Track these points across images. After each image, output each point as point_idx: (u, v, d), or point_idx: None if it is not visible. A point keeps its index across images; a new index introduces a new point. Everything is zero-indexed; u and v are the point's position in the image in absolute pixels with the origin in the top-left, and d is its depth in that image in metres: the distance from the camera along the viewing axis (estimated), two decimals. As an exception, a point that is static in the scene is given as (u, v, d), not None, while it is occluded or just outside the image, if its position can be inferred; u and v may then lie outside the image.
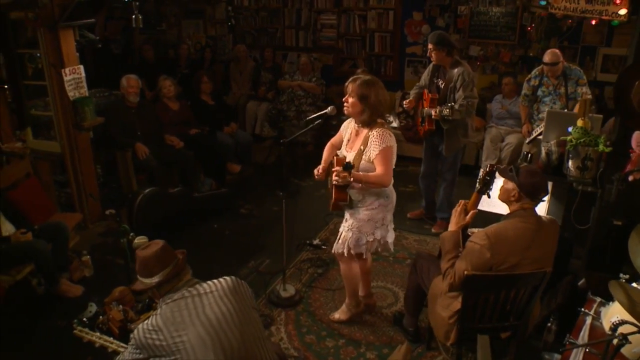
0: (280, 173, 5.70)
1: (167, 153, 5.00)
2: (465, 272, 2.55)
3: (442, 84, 4.44)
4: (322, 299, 3.79)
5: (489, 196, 2.78)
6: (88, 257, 4.07)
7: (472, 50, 6.38)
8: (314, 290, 3.88)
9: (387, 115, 3.08)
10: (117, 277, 4.05)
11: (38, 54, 4.45)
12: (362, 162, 2.97)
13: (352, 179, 2.88)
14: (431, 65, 4.61)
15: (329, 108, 3.31)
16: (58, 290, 3.77)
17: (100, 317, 2.58)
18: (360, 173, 2.94)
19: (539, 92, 4.88)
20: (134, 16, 4.06)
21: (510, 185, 2.64)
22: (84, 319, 2.56)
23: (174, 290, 2.00)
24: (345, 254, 3.24)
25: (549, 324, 3.02)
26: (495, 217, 2.84)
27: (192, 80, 5.69)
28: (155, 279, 2.01)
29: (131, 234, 2.72)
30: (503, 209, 2.93)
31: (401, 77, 6.87)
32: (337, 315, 3.54)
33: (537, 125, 4.88)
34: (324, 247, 4.41)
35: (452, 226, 2.80)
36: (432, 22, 6.49)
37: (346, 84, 3.03)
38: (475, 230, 2.87)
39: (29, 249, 3.59)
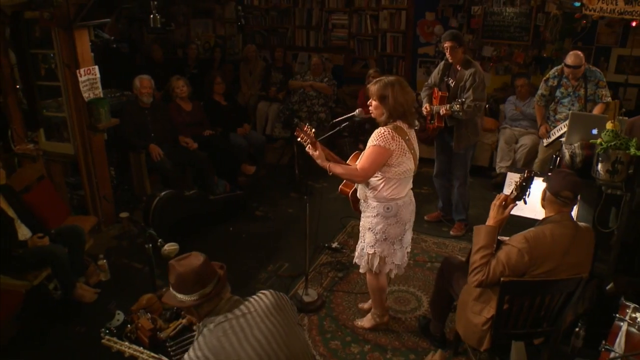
0: (292, 174, 5.68)
1: (181, 154, 4.94)
2: (502, 279, 2.50)
3: (452, 82, 4.39)
4: (345, 303, 3.73)
5: (525, 202, 2.73)
6: (104, 261, 4.00)
7: (485, 51, 6.33)
8: (336, 294, 3.82)
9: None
10: (135, 281, 4.00)
11: (52, 54, 4.38)
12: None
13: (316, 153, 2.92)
14: (442, 64, 4.56)
15: (356, 111, 3.25)
16: (74, 295, 3.70)
17: (129, 325, 2.51)
18: (337, 164, 2.97)
19: (558, 93, 4.82)
20: (151, 16, 3.99)
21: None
22: (112, 327, 2.49)
23: (215, 312, 1.84)
24: (354, 262, 3.21)
25: (577, 329, 2.98)
26: (529, 222, 2.78)
27: (204, 80, 5.62)
28: (193, 297, 1.83)
29: (159, 240, 2.63)
30: (533, 212, 2.89)
31: (413, 77, 6.81)
32: (361, 322, 3.48)
33: (555, 127, 4.82)
34: (343, 250, 4.36)
35: (489, 220, 2.73)
36: (445, 22, 6.43)
37: (368, 86, 2.98)
38: (505, 238, 2.81)
39: (47, 254, 3.52)
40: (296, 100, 6.45)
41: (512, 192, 2.68)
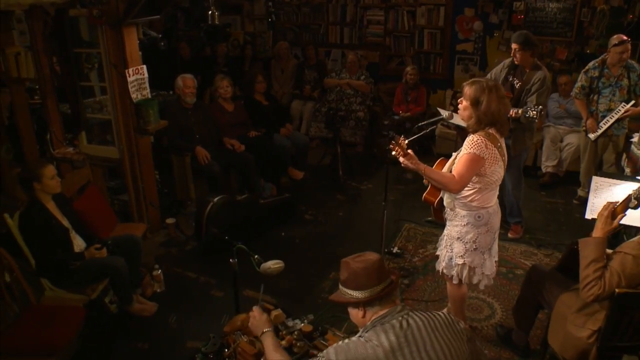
0: (335, 175, 5.49)
1: (227, 157, 4.73)
2: (617, 290, 2.36)
3: (517, 83, 4.25)
4: (416, 312, 3.56)
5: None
6: (159, 271, 3.80)
7: (526, 47, 6.15)
8: (406, 302, 3.65)
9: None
10: (191, 292, 3.81)
11: (95, 54, 4.17)
12: (453, 167, 2.79)
13: (411, 161, 2.70)
14: (507, 62, 4.40)
15: (446, 113, 3.06)
16: (133, 309, 3.51)
17: (226, 349, 2.32)
18: (433, 169, 2.78)
19: (599, 84, 4.69)
20: (210, 12, 3.77)
21: None
22: (209, 352, 2.30)
23: (385, 319, 1.75)
24: (441, 273, 3.09)
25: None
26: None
27: (243, 79, 5.41)
28: (365, 294, 1.79)
29: (256, 256, 2.44)
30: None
31: (451, 75, 6.64)
32: (439, 332, 3.32)
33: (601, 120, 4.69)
34: (404, 255, 4.19)
35: (597, 231, 2.57)
36: (485, 18, 6.26)
37: (463, 84, 2.81)
38: (609, 251, 2.66)
39: (106, 266, 3.32)
40: (333, 98, 6.27)
41: (630, 201, 2.50)
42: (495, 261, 3.05)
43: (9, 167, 4.83)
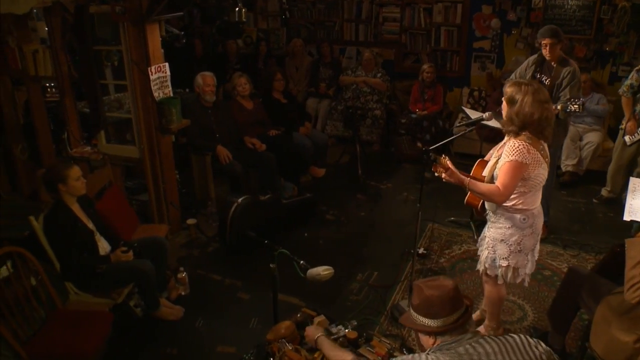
0: (355, 175, 5.42)
1: (248, 156, 4.64)
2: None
3: (546, 79, 4.17)
4: (449, 315, 3.50)
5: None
6: (184, 274, 3.72)
7: (545, 45, 6.08)
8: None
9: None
10: (217, 295, 3.73)
11: (115, 51, 4.07)
12: (495, 171, 2.71)
13: (453, 177, 2.67)
14: (532, 59, 4.32)
15: (485, 114, 2.97)
16: (160, 313, 3.43)
17: (271, 358, 2.25)
18: (476, 182, 2.72)
19: None
20: (237, 9, 3.68)
21: None
22: (254, 361, 2.23)
23: (452, 342, 1.68)
24: (481, 273, 3.03)
25: None
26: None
27: (259, 77, 5.32)
28: (437, 323, 1.69)
29: (302, 261, 2.36)
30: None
31: (467, 72, 6.55)
32: (474, 335, 3.27)
33: None
34: (431, 256, 4.13)
35: None
36: (503, 15, 6.17)
37: (504, 82, 2.75)
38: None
39: (134, 270, 3.23)
40: (349, 96, 6.19)
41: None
42: (535, 260, 3.00)
43: (24, 167, 4.76)
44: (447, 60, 6.60)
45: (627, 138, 4.66)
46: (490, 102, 6.05)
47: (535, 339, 1.75)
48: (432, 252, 4.22)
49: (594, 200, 5.10)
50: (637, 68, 4.61)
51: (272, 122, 5.11)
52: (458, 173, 2.73)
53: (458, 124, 2.98)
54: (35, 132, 4.48)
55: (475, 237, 4.42)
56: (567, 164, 5.56)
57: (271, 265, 2.52)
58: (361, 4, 6.79)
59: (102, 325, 2.99)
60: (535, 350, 1.69)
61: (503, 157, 2.65)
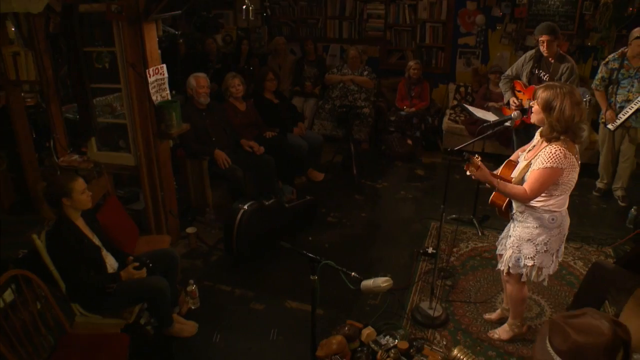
0: (349, 175, 5.33)
1: (246, 160, 4.47)
2: None
3: (544, 75, 4.23)
4: (469, 314, 3.47)
5: None
6: (194, 286, 3.54)
7: (528, 41, 6.15)
8: (454, 305, 3.56)
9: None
10: (228, 307, 3.57)
11: (106, 52, 3.82)
12: (527, 174, 2.69)
13: (483, 175, 2.65)
14: (528, 55, 4.37)
15: (514, 113, 2.94)
16: (173, 330, 3.24)
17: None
18: (505, 182, 2.71)
19: (618, 76, 4.72)
20: (244, 7, 3.49)
21: None
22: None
23: None
24: (504, 273, 3.00)
25: None
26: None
27: (254, 77, 5.14)
28: None
29: (353, 273, 2.24)
30: None
31: (453, 69, 6.58)
32: (498, 334, 3.26)
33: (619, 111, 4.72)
34: (440, 255, 4.09)
35: None
36: (488, 11, 6.21)
37: (536, 88, 2.72)
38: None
39: (149, 288, 3.01)
40: (337, 95, 6.09)
41: None
42: (559, 261, 3.01)
43: (3, 178, 4.43)
44: (433, 57, 6.61)
45: (610, 126, 4.78)
46: (477, 98, 6.09)
47: None
48: (441, 251, 4.17)
49: (594, 193, 5.20)
50: (604, 62, 4.77)
51: (264, 124, 4.95)
52: (489, 173, 2.70)
53: (486, 124, 2.91)
54: (16, 140, 4.17)
55: (480, 234, 4.44)
56: None
57: (311, 277, 2.40)
58: (345, 1, 6.70)
59: (119, 348, 2.78)
60: None
61: (538, 162, 2.61)
